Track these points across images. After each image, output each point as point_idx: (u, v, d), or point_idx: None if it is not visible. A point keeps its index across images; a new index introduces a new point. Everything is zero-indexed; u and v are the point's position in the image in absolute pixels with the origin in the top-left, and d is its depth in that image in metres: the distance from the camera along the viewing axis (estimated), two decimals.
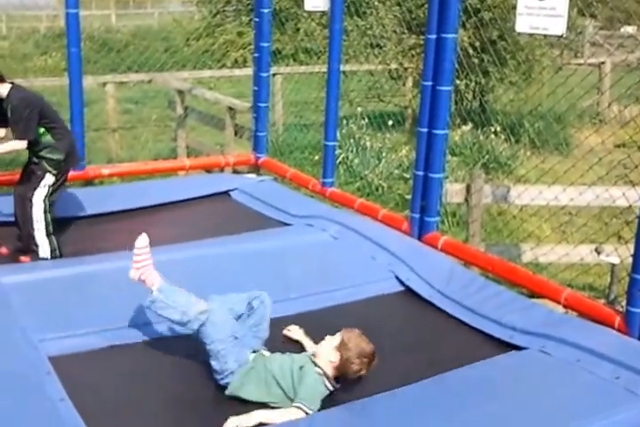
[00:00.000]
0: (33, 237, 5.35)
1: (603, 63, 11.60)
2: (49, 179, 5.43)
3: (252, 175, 7.27)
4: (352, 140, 8.88)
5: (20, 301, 4.18)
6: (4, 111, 5.36)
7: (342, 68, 6.61)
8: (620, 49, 12.60)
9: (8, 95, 5.38)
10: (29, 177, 5.49)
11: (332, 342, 3.52)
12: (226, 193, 6.62)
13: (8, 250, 5.42)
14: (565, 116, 9.31)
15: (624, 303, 4.03)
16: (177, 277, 3.96)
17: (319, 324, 4.20)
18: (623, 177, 5.59)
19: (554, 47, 10.42)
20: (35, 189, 5.38)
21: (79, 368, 3.66)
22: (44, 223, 5.38)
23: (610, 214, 6.15)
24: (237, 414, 3.27)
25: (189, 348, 3.89)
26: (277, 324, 4.03)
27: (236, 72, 11.97)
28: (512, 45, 9.75)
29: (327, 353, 3.48)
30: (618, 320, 4.01)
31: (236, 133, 8.48)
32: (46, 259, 5.36)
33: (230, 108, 8.47)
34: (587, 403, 3.33)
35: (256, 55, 7.26)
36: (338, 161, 7.54)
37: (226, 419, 3.24)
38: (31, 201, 5.37)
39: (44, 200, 5.39)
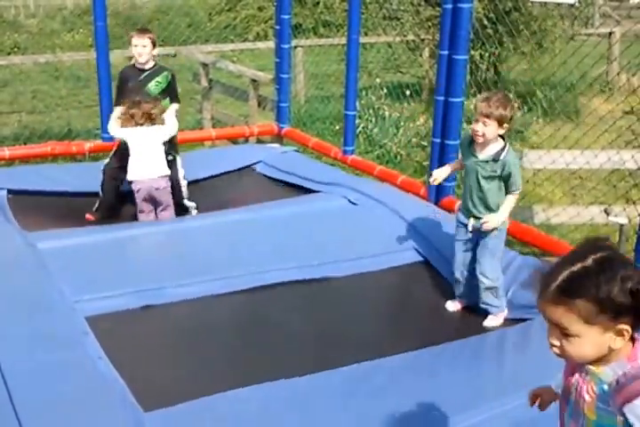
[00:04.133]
0: (184, 204, 5.87)
1: (612, 33, 11.67)
2: (179, 160, 5.91)
3: (276, 145, 7.51)
4: (371, 111, 9.08)
5: (57, 265, 4.40)
6: (142, 81, 5.75)
7: (361, 40, 6.81)
8: (627, 19, 12.63)
9: (157, 65, 5.87)
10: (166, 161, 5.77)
11: None
12: (252, 165, 6.85)
13: (95, 217, 5.74)
14: (576, 84, 9.43)
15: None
16: (206, 240, 4.21)
17: (342, 288, 4.51)
18: (631, 142, 5.80)
19: (565, 18, 10.51)
20: (176, 173, 5.80)
21: (114, 328, 3.87)
22: (187, 193, 5.93)
23: (618, 178, 6.36)
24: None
25: (223, 308, 4.20)
26: (301, 287, 4.34)
27: (259, 45, 12.11)
28: (525, 16, 9.87)
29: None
30: None
31: (259, 105, 8.68)
32: None
33: (253, 80, 8.66)
34: None
35: (277, 27, 7.50)
36: (357, 131, 7.76)
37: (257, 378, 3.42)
38: (179, 183, 5.83)
39: (184, 177, 5.89)
